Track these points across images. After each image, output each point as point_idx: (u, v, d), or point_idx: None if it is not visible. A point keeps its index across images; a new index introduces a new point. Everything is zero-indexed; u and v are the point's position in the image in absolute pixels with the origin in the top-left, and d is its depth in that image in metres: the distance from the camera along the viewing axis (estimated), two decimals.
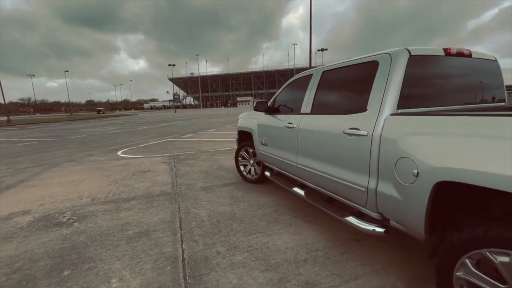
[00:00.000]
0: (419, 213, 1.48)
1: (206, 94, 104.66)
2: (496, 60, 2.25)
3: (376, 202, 1.80)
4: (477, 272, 1.26)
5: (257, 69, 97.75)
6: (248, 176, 4.23)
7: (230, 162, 5.57)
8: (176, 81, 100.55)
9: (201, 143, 8.60)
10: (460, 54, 1.97)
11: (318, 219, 2.80)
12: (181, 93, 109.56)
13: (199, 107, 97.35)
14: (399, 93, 1.73)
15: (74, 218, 3.08)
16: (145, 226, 2.79)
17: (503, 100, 2.30)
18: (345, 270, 1.97)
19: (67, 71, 71.30)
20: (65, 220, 3.04)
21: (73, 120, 32.59)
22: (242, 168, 4.33)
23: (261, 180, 4.06)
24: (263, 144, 3.54)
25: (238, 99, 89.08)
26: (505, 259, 1.14)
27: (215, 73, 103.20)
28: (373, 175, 1.79)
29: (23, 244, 2.53)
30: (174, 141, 9.39)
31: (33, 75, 75.11)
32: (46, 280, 1.97)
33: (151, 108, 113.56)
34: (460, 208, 1.48)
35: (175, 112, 54.18)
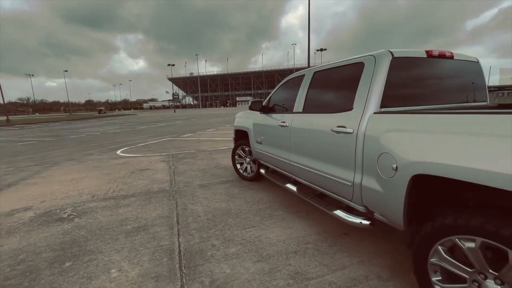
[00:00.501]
0: (398, 205, 1.59)
1: (206, 94, 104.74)
2: (478, 62, 2.36)
3: (361, 196, 1.90)
4: (448, 258, 1.37)
5: (257, 69, 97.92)
6: (245, 174, 4.33)
7: (228, 160, 5.68)
8: (176, 81, 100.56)
9: (200, 143, 8.70)
10: (442, 56, 2.08)
11: (310, 214, 2.91)
12: (181, 93, 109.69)
13: (199, 107, 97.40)
14: (382, 93, 1.84)
15: (74, 214, 3.18)
16: (143, 221, 2.89)
17: (485, 100, 2.41)
18: (333, 261, 2.07)
19: (66, 71, 71.29)
20: (66, 215, 3.14)
21: (72, 120, 32.64)
22: (238, 166, 4.43)
23: (257, 177, 4.16)
24: (258, 143, 3.64)
25: (238, 99, 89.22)
26: (471, 244, 1.25)
27: (215, 73, 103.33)
28: (358, 170, 1.89)
29: (25, 238, 2.62)
30: (173, 141, 9.49)
31: (32, 75, 75.03)
32: (49, 270, 2.07)
33: (151, 108, 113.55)
34: (434, 199, 1.59)
35: (175, 112, 54.25)
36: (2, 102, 32.49)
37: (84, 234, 2.65)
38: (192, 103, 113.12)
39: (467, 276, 1.31)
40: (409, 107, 1.93)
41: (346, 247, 2.25)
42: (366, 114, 1.85)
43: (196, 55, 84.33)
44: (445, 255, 1.38)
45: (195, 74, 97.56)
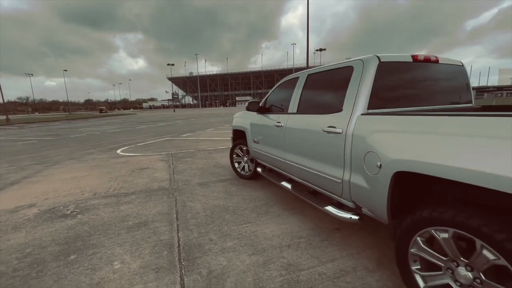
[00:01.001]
0: (383, 200, 1.70)
1: (205, 94, 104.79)
2: (463, 65, 2.48)
3: (350, 192, 2.02)
4: (426, 248, 1.49)
5: (256, 69, 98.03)
6: (242, 172, 4.45)
7: (226, 160, 5.79)
8: (175, 80, 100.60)
9: (199, 142, 8.81)
10: (427, 60, 2.20)
11: (304, 211, 3.03)
12: (180, 92, 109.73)
13: (198, 107, 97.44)
14: (369, 95, 1.96)
15: (77, 210, 3.29)
16: (144, 218, 3.01)
17: (470, 102, 2.53)
18: (323, 254, 2.19)
19: (65, 70, 71.26)
20: (69, 212, 3.25)
21: (72, 119, 32.70)
22: (236, 165, 4.55)
23: (254, 176, 4.28)
24: (255, 142, 3.76)
25: (237, 98, 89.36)
26: (445, 235, 1.37)
27: (214, 72, 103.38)
28: (347, 168, 2.01)
29: (31, 233, 2.74)
30: (172, 140, 9.60)
31: (32, 74, 74.99)
32: (55, 263, 2.19)
33: (150, 107, 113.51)
34: (415, 195, 1.71)
35: (174, 111, 54.31)
36: (1, 101, 32.54)
37: (87, 230, 2.77)
38: (191, 102, 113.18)
39: (442, 264, 1.43)
40: (395, 109, 2.05)
41: (337, 241, 2.37)
42: (354, 115, 1.97)
43: (196, 54, 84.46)
44: (423, 246, 1.50)
45: (195, 73, 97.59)
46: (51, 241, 2.55)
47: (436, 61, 2.26)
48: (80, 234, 2.68)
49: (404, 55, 2.12)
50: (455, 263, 1.37)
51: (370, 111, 1.96)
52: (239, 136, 4.46)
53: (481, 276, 1.26)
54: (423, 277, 1.54)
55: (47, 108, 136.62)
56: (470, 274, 1.31)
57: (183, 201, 3.49)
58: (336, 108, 2.17)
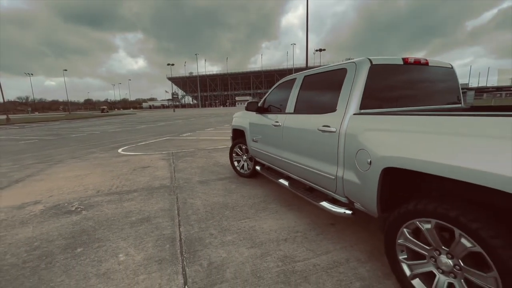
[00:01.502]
0: (373, 195, 1.82)
1: (205, 94, 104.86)
2: (452, 67, 2.59)
3: (343, 188, 2.13)
4: (411, 238, 1.60)
5: (256, 69, 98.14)
6: (242, 171, 4.56)
7: (226, 159, 5.90)
8: (175, 80, 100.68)
9: (199, 142, 8.92)
10: (417, 63, 2.31)
11: (301, 208, 3.14)
12: (180, 92, 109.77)
13: (198, 107, 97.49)
14: (361, 96, 2.07)
15: (81, 207, 3.40)
16: (146, 214, 3.11)
17: (459, 102, 2.64)
18: (318, 247, 2.30)
19: (65, 70, 71.34)
20: (73, 208, 3.36)
21: (72, 119, 32.78)
22: (236, 163, 4.66)
23: (253, 174, 4.39)
24: (254, 141, 3.87)
25: (237, 98, 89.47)
26: (428, 225, 1.48)
27: (214, 72, 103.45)
28: (340, 165, 2.12)
29: (38, 228, 2.84)
30: (172, 140, 9.70)
31: (32, 74, 75.04)
32: (62, 255, 2.30)
33: (150, 107, 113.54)
34: (404, 190, 1.82)
35: (174, 111, 54.39)
36: (1, 100, 32.61)
37: (92, 225, 2.87)
38: (191, 102, 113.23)
39: (426, 253, 1.54)
40: (386, 109, 2.16)
41: (332, 236, 2.48)
42: (347, 115, 2.08)
43: (196, 54, 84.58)
44: (409, 236, 1.61)
45: (195, 73, 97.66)
46: (57, 235, 2.66)
47: (426, 64, 2.37)
48: (86, 229, 2.79)
49: (395, 58, 2.23)
50: (437, 251, 1.48)
51: (362, 111, 2.07)
52: (238, 135, 4.57)
53: (460, 263, 1.37)
54: (409, 266, 1.65)
55: (46, 107, 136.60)
56: (450, 262, 1.42)
57: (184, 198, 3.59)
58: (330, 108, 2.28)
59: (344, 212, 2.22)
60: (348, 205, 2.23)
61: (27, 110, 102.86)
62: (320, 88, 2.65)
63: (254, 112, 3.88)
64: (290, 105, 2.99)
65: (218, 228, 2.69)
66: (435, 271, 1.51)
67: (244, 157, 4.53)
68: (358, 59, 2.19)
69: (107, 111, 69.99)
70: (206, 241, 2.45)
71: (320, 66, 2.92)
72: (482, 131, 1.25)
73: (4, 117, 30.56)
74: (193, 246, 2.38)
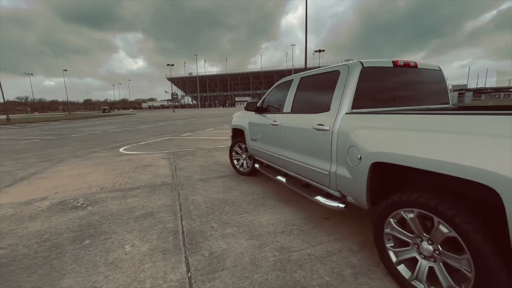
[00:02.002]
0: (363, 188, 1.96)
1: (205, 94, 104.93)
2: (440, 70, 2.73)
3: (336, 183, 2.27)
4: (397, 227, 1.74)
5: (256, 70, 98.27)
6: (241, 169, 4.70)
7: (226, 158, 6.03)
8: (175, 80, 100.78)
9: (199, 141, 9.06)
10: (406, 65, 2.45)
11: (298, 203, 3.28)
12: (180, 92, 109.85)
13: (198, 107, 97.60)
14: (353, 96, 2.21)
15: (87, 203, 3.53)
16: (149, 209, 3.25)
17: (447, 103, 2.78)
18: (313, 238, 2.44)
19: (65, 70, 71.38)
20: (79, 204, 3.49)
21: (72, 119, 32.87)
22: (235, 162, 4.80)
23: (252, 172, 4.53)
24: (253, 140, 4.01)
25: (237, 99, 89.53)
26: (411, 215, 1.62)
27: (214, 73, 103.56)
28: (333, 161, 2.26)
29: (46, 222, 2.98)
30: (173, 139, 9.84)
31: (31, 74, 75.04)
32: (72, 246, 2.43)
33: (150, 107, 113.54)
34: (393, 184, 1.96)
35: (174, 111, 54.50)
36: (1, 100, 32.68)
37: (98, 219, 3.01)
38: (191, 103, 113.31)
39: (410, 241, 1.69)
40: (376, 109, 2.30)
41: (326, 229, 2.62)
42: (340, 114, 2.22)
43: (195, 55, 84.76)
44: (395, 226, 1.76)
45: (194, 74, 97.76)
46: (65, 229, 2.79)
47: (415, 66, 2.52)
48: (92, 223, 2.92)
49: (385, 61, 2.37)
50: (419, 238, 1.63)
51: (354, 110, 2.21)
52: (238, 134, 4.71)
53: (439, 248, 1.51)
54: (395, 253, 1.79)
55: (46, 107, 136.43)
56: (431, 247, 1.56)
57: (185, 195, 3.73)
58: (324, 108, 2.42)
59: (338, 206, 2.36)
60: (341, 199, 2.37)
61: (27, 110, 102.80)
62: (316, 89, 2.79)
63: (253, 112, 4.02)
64: (288, 105, 3.13)
65: (218, 222, 2.83)
66: (417, 256, 1.66)
67: (244, 156, 4.67)
68: (351, 61, 2.33)
69: (109, 111, 69.98)
70: (207, 234, 2.58)
71: (319, 67, 3.05)
72: (455, 128, 1.39)
73: (4, 117, 30.61)
74: (195, 238, 2.51)
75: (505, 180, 1.14)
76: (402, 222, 1.74)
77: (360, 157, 1.93)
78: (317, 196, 2.54)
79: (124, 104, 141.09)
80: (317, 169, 2.47)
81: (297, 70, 69.19)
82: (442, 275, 1.51)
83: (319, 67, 2.91)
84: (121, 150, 7.80)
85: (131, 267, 2.09)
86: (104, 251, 2.34)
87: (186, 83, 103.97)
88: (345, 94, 2.24)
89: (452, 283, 1.46)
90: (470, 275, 1.35)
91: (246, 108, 4.03)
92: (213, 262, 2.11)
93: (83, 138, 11.52)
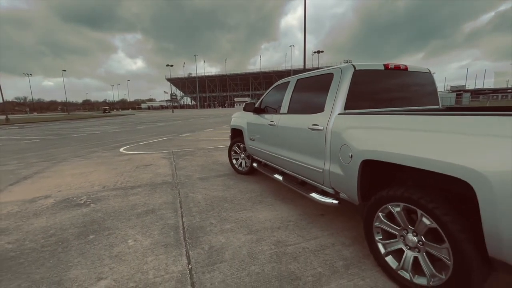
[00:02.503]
0: (354, 184, 2.07)
1: (204, 95, 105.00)
2: (430, 72, 2.86)
3: (330, 180, 2.39)
4: (385, 221, 1.86)
5: (255, 70, 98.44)
6: (240, 168, 4.81)
7: (225, 157, 6.14)
8: (174, 81, 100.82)
9: (199, 141, 9.17)
10: (397, 68, 2.58)
11: (294, 201, 3.39)
12: (179, 93, 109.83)
13: (197, 107, 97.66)
14: (345, 98, 2.33)
15: (90, 200, 3.64)
16: (151, 206, 3.36)
17: (437, 104, 2.91)
18: (308, 233, 2.56)
19: (64, 70, 71.38)
20: (82, 202, 3.59)
21: (71, 120, 32.90)
22: (234, 161, 4.91)
23: (250, 171, 4.64)
24: (251, 140, 4.12)
25: (236, 99, 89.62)
26: (398, 209, 1.74)
27: (213, 73, 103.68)
28: (327, 159, 2.38)
29: (51, 218, 3.08)
30: (172, 139, 9.94)
31: (30, 74, 74.97)
32: (77, 241, 2.54)
33: (149, 108, 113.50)
34: (383, 181, 2.08)
35: (173, 112, 54.57)
36: (0, 100, 32.68)
37: (101, 216, 3.11)
38: (190, 103, 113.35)
39: (397, 233, 1.80)
40: (367, 110, 2.42)
41: (321, 224, 2.74)
42: (333, 114, 2.34)
43: (195, 55, 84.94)
44: (383, 219, 1.87)
45: (194, 74, 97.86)
46: (70, 225, 2.89)
47: (405, 69, 2.64)
48: (95, 219, 3.03)
49: (377, 64, 2.49)
50: (405, 231, 1.74)
51: (346, 111, 2.33)
52: (236, 134, 4.83)
53: (422, 239, 1.63)
54: (383, 245, 1.91)
55: (45, 108, 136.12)
56: (415, 239, 1.68)
57: (185, 193, 3.84)
58: (319, 108, 2.54)
59: (332, 202, 2.47)
60: (335, 195, 2.48)
61: (25, 110, 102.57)
62: (311, 90, 2.91)
63: (252, 113, 4.14)
64: (284, 106, 3.25)
65: (217, 218, 2.94)
66: (404, 247, 1.77)
67: (242, 155, 4.79)
68: (344, 65, 2.45)
69: (109, 112, 69.91)
70: (207, 229, 2.70)
71: (318, 67, 3.18)
72: (434, 128, 1.52)
73: (3, 117, 30.61)
74: (195, 233, 2.62)
75: (478, 175, 1.25)
76: (389, 216, 1.86)
77: (351, 155, 2.05)
78: (312, 193, 2.66)
79: (123, 105, 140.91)
80: (312, 167, 2.59)
81: (296, 71, 69.41)
82: (425, 264, 1.63)
83: (318, 68, 3.02)
84: (121, 150, 7.90)
85: (135, 259, 2.19)
86: (108, 245, 2.44)
87: (185, 84, 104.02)
88: (338, 96, 2.36)
89: (434, 271, 1.58)
90: (449, 262, 1.46)
91: (245, 109, 4.14)
92: (213, 255, 2.23)
93: (83, 138, 11.61)
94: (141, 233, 2.65)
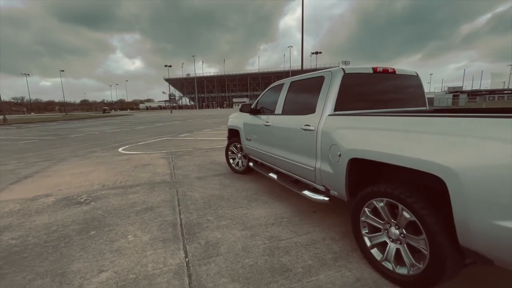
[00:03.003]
0: (342, 182, 2.20)
1: (202, 95, 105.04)
2: (417, 75, 2.99)
3: (321, 177, 2.51)
4: (371, 215, 1.98)
5: (254, 71, 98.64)
6: (236, 168, 4.93)
7: (222, 157, 6.25)
8: (172, 81, 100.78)
9: (197, 142, 9.27)
10: (385, 71, 2.70)
11: (288, 198, 3.51)
12: (177, 93, 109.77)
13: (195, 108, 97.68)
14: (335, 100, 2.45)
15: (90, 199, 3.74)
16: (149, 204, 3.46)
17: (424, 105, 3.04)
18: (300, 229, 2.68)
19: (62, 70, 71.19)
20: (83, 200, 3.69)
21: (69, 120, 32.86)
22: (231, 161, 5.03)
23: (247, 171, 4.76)
24: (248, 140, 4.24)
25: (234, 100, 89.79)
26: (381, 204, 1.86)
27: (212, 74, 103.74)
28: (318, 158, 2.50)
29: (53, 216, 3.18)
30: (171, 140, 10.04)
31: (28, 74, 74.69)
32: (78, 236, 2.64)
33: (147, 108, 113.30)
34: (371, 178, 2.20)
35: (171, 112, 54.55)
36: None
37: (101, 213, 3.21)
38: (188, 104, 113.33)
39: (381, 227, 1.93)
40: (355, 111, 2.54)
41: (313, 221, 2.86)
42: (323, 115, 2.47)
43: (193, 56, 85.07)
44: (369, 214, 2.00)
45: (192, 75, 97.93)
46: (71, 222, 2.99)
47: (393, 72, 2.77)
48: (96, 216, 3.13)
49: (366, 67, 2.62)
50: (388, 224, 1.87)
51: (336, 112, 2.45)
52: (233, 134, 4.94)
53: (403, 232, 1.76)
54: (369, 238, 2.03)
55: (42, 108, 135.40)
56: (397, 231, 1.80)
57: (183, 191, 3.95)
58: (311, 110, 2.66)
59: (323, 199, 2.59)
60: (325, 192, 2.60)
61: (22, 111, 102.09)
62: (304, 92, 3.03)
63: (248, 113, 4.25)
64: (279, 107, 3.37)
65: (214, 215, 3.06)
66: (387, 240, 1.90)
67: (239, 155, 4.90)
68: (334, 68, 2.57)
69: (109, 112, 69.72)
70: (204, 225, 2.81)
71: (316, 69, 3.29)
72: (411, 128, 1.65)
73: (1, 117, 30.54)
74: (192, 229, 2.73)
75: (449, 170, 1.38)
76: (375, 211, 1.98)
77: (340, 154, 2.17)
78: (305, 190, 2.78)
79: (121, 105, 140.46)
80: (304, 165, 2.71)
81: (294, 72, 69.60)
82: (406, 255, 1.76)
83: (316, 69, 3.15)
84: (120, 150, 7.99)
85: (134, 253, 2.30)
86: (108, 240, 2.55)
87: (184, 84, 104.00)
88: (328, 98, 2.48)
89: (414, 261, 1.71)
90: (426, 252, 1.59)
91: (241, 110, 4.26)
92: (209, 249, 2.34)
93: (81, 138, 11.67)
94: (140, 229, 2.76)
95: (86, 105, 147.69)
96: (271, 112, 3.61)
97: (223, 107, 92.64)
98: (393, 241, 1.85)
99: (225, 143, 6.57)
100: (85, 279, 1.98)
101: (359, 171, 2.18)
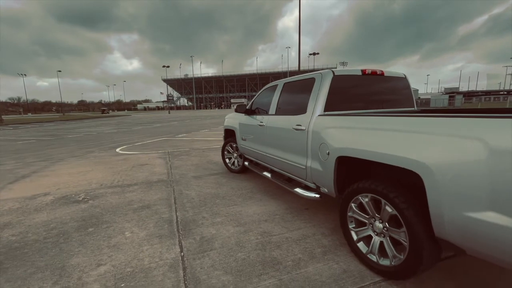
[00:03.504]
0: (331, 179, 2.30)
1: (200, 96, 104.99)
2: (405, 77, 3.10)
3: (311, 175, 2.61)
4: (357, 210, 2.09)
5: (252, 71, 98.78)
6: (232, 167, 5.02)
7: (219, 157, 6.34)
8: (170, 82, 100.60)
9: (194, 142, 9.35)
10: (374, 73, 2.81)
11: (282, 197, 3.61)
12: (175, 94, 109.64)
13: (193, 109, 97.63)
14: (325, 101, 2.55)
15: (88, 197, 3.81)
16: (146, 202, 3.54)
17: (412, 106, 3.15)
18: (292, 225, 2.77)
19: (60, 71, 70.89)
20: (81, 199, 3.77)
21: (67, 120, 32.77)
22: (227, 160, 5.12)
23: (242, 170, 4.85)
24: (243, 140, 4.34)
25: (232, 100, 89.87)
26: (366, 199, 1.97)
27: (210, 74, 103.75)
28: (308, 156, 2.60)
29: (51, 214, 3.25)
30: (168, 140, 10.10)
31: (25, 74, 74.31)
32: (77, 233, 2.72)
33: (145, 109, 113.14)
34: (359, 176, 2.31)
35: (169, 113, 54.53)
36: None
37: (99, 211, 3.29)
38: (186, 104, 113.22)
39: (366, 221, 2.03)
40: (344, 111, 2.64)
41: (304, 217, 2.96)
42: (314, 116, 2.57)
43: (191, 56, 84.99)
44: (355, 209, 2.10)
45: (190, 75, 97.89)
46: (70, 219, 3.07)
47: (382, 74, 2.88)
48: (94, 214, 3.21)
49: (355, 69, 2.73)
50: (373, 219, 1.97)
51: (325, 112, 2.55)
52: (229, 134, 5.04)
53: (386, 225, 1.86)
54: (356, 232, 2.13)
55: (39, 108, 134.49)
56: (381, 225, 1.91)
57: (180, 190, 4.03)
58: (302, 110, 2.77)
59: (314, 196, 2.69)
60: (316, 190, 2.71)
61: (19, 111, 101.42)
62: (296, 93, 3.14)
63: (243, 114, 4.35)
64: (273, 108, 3.47)
65: (209, 213, 3.15)
66: (372, 234, 2.00)
67: (235, 155, 4.99)
68: (324, 70, 2.68)
69: (108, 112, 69.49)
70: (199, 222, 2.90)
71: (314, 69, 3.39)
72: (392, 127, 1.75)
73: None
74: (188, 226, 2.82)
75: (424, 166, 1.48)
76: (360, 206, 2.08)
77: (329, 152, 2.27)
78: (297, 188, 2.88)
79: (119, 105, 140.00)
80: (296, 164, 2.81)
81: (292, 72, 69.84)
82: (388, 247, 1.86)
83: (313, 70, 3.26)
84: (117, 150, 8.05)
85: (131, 248, 2.39)
86: (106, 236, 2.63)
87: (182, 85, 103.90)
88: (318, 99, 2.59)
89: (395, 252, 1.81)
90: (406, 244, 1.69)
91: (236, 110, 4.36)
92: (203, 244, 2.43)
93: (79, 139, 11.70)
94: (137, 226, 2.84)
95: (83, 106, 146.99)
96: (265, 112, 3.70)
97: (221, 108, 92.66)
98: (377, 234, 1.96)
99: (222, 143, 6.67)
100: (84, 272, 2.06)
101: (347, 168, 2.29)
